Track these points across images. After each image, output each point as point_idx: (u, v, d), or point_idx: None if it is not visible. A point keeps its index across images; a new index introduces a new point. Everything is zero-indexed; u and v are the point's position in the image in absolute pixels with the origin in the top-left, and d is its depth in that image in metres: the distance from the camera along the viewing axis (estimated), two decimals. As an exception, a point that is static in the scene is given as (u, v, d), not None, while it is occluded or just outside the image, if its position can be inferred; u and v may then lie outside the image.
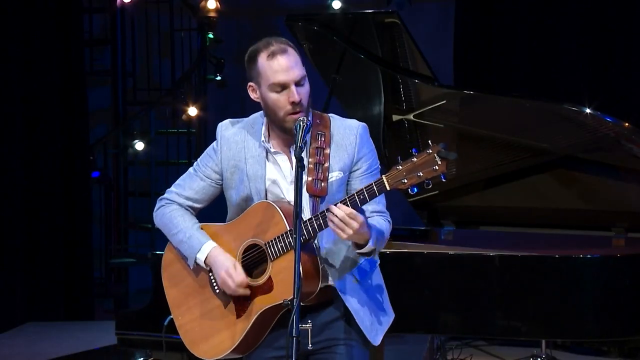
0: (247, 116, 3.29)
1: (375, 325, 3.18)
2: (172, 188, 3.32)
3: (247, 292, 3.12)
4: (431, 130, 5.24)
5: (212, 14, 9.02)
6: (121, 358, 6.34)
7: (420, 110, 5.23)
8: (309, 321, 3.07)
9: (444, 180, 2.90)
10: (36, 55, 7.95)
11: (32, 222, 7.92)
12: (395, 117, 5.31)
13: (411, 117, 5.27)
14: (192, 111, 8.84)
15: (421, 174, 2.88)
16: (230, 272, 3.12)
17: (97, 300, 8.49)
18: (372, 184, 2.95)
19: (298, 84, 3.08)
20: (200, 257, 3.19)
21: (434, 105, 5.16)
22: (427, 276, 4.53)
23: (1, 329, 7.53)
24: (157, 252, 4.82)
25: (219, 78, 9.18)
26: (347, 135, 3.15)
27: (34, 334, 7.52)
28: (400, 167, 2.91)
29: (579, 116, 4.79)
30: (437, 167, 2.87)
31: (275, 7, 9.35)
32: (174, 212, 3.28)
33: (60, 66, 8.12)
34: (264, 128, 3.18)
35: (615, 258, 4.58)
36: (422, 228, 5.55)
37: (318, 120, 3.17)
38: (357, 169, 3.15)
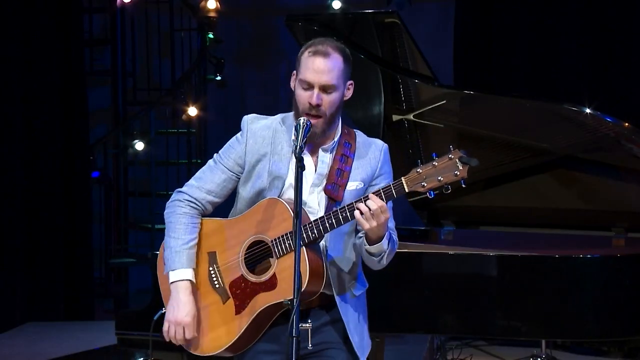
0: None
1: (362, 343, 3.20)
2: (192, 181, 3.27)
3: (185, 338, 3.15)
4: (431, 130, 5.24)
5: (212, 14, 9.02)
6: (121, 358, 6.34)
7: (420, 110, 5.23)
8: (309, 321, 3.07)
9: (463, 185, 2.91)
10: (36, 55, 7.95)
11: (32, 222, 7.92)
12: (395, 117, 5.31)
13: (411, 117, 5.27)
14: (192, 111, 8.84)
15: (441, 179, 2.90)
16: (177, 329, 3.14)
17: (97, 300, 8.48)
18: (390, 185, 2.96)
19: (324, 90, 3.08)
20: (172, 277, 3.18)
21: (434, 105, 5.16)
22: (427, 276, 4.53)
23: (1, 329, 7.53)
24: (157, 252, 4.82)
25: (219, 78, 9.19)
26: (373, 150, 3.20)
27: (34, 334, 7.52)
28: (420, 171, 2.92)
29: (579, 116, 4.79)
30: (458, 173, 2.89)
31: (275, 7, 9.36)
32: (183, 217, 3.22)
33: (60, 66, 8.12)
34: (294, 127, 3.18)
35: (615, 258, 4.58)
36: (422, 228, 5.55)
37: (346, 131, 3.20)
38: (375, 184, 3.17)
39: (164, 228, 3.31)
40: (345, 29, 5.09)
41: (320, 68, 3.07)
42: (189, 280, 3.16)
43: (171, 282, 3.17)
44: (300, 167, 2.96)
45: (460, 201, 5.41)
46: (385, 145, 3.23)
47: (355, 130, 3.25)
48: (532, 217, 5.35)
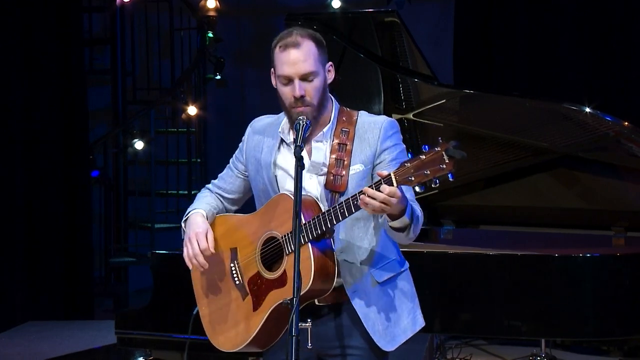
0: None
1: (391, 330, 3.11)
2: (214, 180, 3.41)
3: (204, 262, 3.15)
4: (431, 129, 5.24)
5: (211, 14, 9.03)
6: (121, 358, 6.34)
7: (420, 110, 5.23)
8: (309, 320, 3.01)
9: (451, 179, 2.79)
10: (36, 55, 7.94)
11: (32, 222, 7.91)
12: (395, 117, 5.31)
13: (411, 116, 5.27)
14: (192, 110, 8.84)
15: (428, 172, 2.78)
16: (198, 235, 3.16)
17: (97, 300, 8.48)
18: (380, 180, 2.87)
19: (304, 79, 3.05)
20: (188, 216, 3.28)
21: (433, 105, 5.16)
22: (427, 276, 4.52)
23: (1, 329, 7.53)
24: (157, 252, 4.84)
25: (218, 77, 9.19)
26: (372, 129, 3.11)
27: (33, 333, 7.51)
28: (408, 164, 2.81)
29: (578, 115, 4.79)
30: (444, 166, 2.77)
31: (275, 7, 9.36)
32: (202, 194, 3.36)
33: (60, 66, 8.11)
34: (285, 119, 3.18)
35: (615, 257, 4.58)
36: (422, 227, 5.54)
37: (344, 118, 3.14)
38: (381, 161, 3.09)
39: (164, 227, 3.35)
40: (345, 29, 5.10)
41: (294, 59, 3.04)
42: (201, 212, 3.25)
43: (184, 220, 3.26)
44: (299, 167, 2.94)
45: (460, 200, 5.41)
46: (387, 120, 3.13)
47: (359, 111, 3.18)
48: (532, 217, 5.34)
